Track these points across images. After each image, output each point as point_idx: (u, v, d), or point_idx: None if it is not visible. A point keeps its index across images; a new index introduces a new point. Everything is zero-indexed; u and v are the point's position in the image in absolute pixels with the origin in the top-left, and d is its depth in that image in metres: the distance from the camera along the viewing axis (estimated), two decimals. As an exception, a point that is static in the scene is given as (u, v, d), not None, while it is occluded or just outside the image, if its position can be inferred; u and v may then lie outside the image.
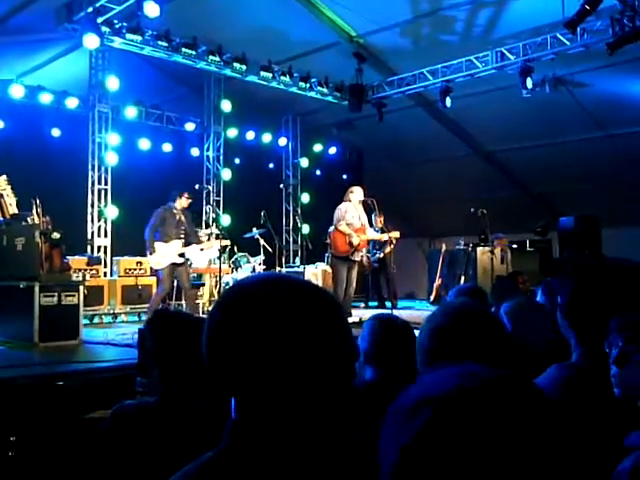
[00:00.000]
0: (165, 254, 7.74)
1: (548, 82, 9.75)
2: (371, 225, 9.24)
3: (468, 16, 9.28)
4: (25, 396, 4.70)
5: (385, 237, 9.04)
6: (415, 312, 9.80)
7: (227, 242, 8.77)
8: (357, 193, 8.53)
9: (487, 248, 9.98)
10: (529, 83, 9.14)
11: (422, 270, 12.22)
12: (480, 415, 0.65)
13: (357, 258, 8.48)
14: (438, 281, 11.23)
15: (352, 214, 8.36)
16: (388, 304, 10.06)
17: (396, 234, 9.15)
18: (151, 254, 7.76)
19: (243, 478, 0.90)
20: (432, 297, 11.31)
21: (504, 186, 12.76)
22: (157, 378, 2.40)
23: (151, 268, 8.55)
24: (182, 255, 7.89)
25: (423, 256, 11.99)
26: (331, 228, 8.45)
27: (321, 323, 0.93)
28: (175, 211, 7.90)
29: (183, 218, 7.96)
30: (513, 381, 0.71)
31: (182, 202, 7.93)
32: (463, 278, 10.36)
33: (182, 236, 7.90)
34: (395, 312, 8.72)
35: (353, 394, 0.97)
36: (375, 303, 11.44)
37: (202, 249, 8.47)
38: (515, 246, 11.13)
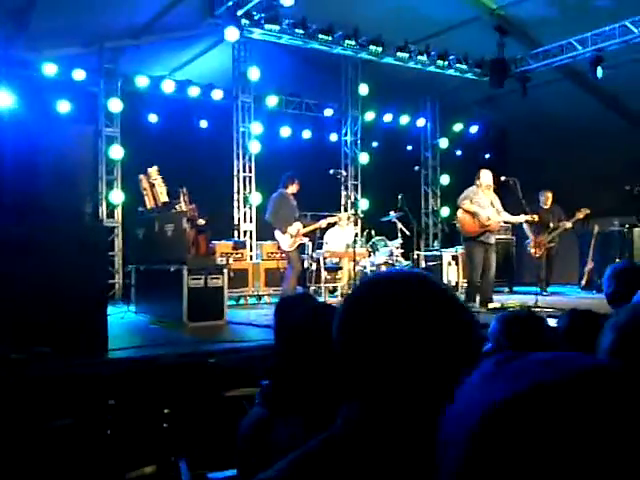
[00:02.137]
0: (293, 235, 8.06)
1: None
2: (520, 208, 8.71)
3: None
4: (176, 372, 5.02)
5: (521, 219, 8.46)
6: (563, 298, 9.29)
7: (334, 219, 8.94)
8: (484, 177, 8.10)
9: (645, 229, 9.19)
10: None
11: (573, 253, 11.48)
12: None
13: (491, 241, 8.07)
14: (590, 265, 10.53)
15: (479, 197, 7.99)
16: (536, 289, 9.52)
17: (533, 218, 8.43)
18: (284, 233, 8.07)
19: (360, 463, 0.93)
20: (583, 282, 10.63)
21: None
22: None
23: (280, 249, 8.82)
24: (304, 236, 8.29)
25: (574, 238, 11.26)
26: (459, 211, 8.13)
27: (442, 322, 0.96)
28: (287, 196, 8.18)
29: (294, 203, 8.22)
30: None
31: (293, 188, 8.18)
32: (618, 262, 9.61)
33: (297, 219, 8.22)
34: (542, 298, 8.32)
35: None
36: (521, 288, 10.96)
37: (316, 229, 8.69)
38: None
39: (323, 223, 8.66)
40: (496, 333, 2.49)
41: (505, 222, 9.13)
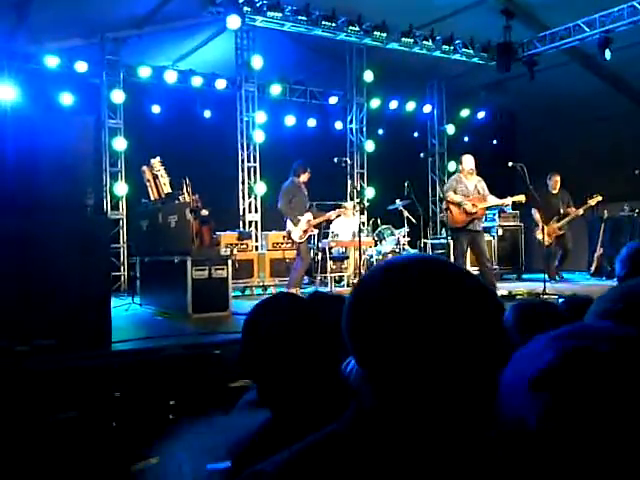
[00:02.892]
0: (303, 227, 7.95)
1: None
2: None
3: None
4: (181, 363, 5.00)
5: (508, 201, 8.36)
6: (573, 285, 9.20)
7: (344, 211, 8.88)
8: (465, 162, 8.04)
9: (656, 213, 9.06)
10: None
11: (582, 239, 11.37)
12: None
13: (478, 227, 7.99)
14: (599, 251, 10.40)
15: (464, 185, 7.94)
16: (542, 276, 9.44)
17: (520, 198, 8.30)
18: (296, 225, 7.94)
19: (364, 460, 0.88)
20: (593, 268, 10.51)
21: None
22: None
23: (290, 239, 8.76)
24: (315, 227, 8.16)
25: (583, 223, 11.15)
26: (445, 203, 8.09)
27: (465, 311, 0.88)
28: (300, 185, 8.04)
29: (305, 192, 8.11)
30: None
31: (304, 177, 8.05)
32: (633, 243, 9.48)
33: (308, 209, 8.08)
34: (550, 285, 8.24)
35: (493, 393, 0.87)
36: (530, 275, 10.86)
37: (326, 220, 8.67)
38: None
39: (333, 215, 8.56)
40: (510, 322, 2.41)
41: (509, 206, 9.01)
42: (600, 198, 9.51)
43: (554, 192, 9.80)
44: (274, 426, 1.46)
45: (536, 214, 9.55)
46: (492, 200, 8.14)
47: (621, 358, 0.58)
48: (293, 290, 7.79)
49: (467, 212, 7.80)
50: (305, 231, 7.97)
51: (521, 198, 8.22)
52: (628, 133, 11.20)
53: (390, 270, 0.94)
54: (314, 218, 8.16)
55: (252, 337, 1.63)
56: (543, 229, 9.29)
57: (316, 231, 8.47)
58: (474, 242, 7.86)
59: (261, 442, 1.43)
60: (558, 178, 9.83)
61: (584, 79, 11.12)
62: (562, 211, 9.67)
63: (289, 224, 8.03)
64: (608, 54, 9.32)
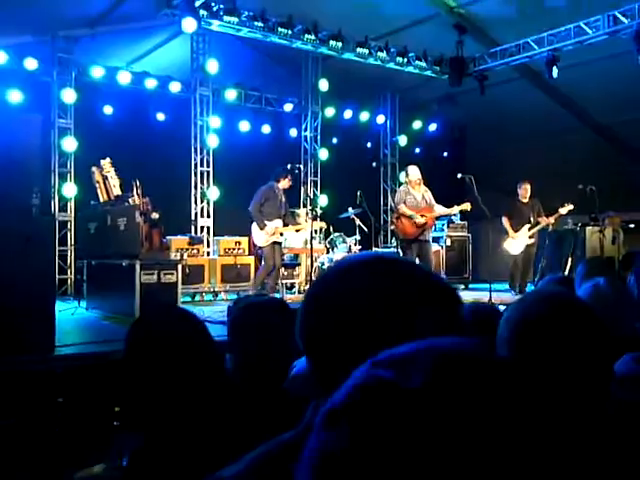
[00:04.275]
0: (270, 232, 7.90)
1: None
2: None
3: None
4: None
5: (455, 210, 8.56)
6: (516, 297, 9.41)
7: (322, 224, 8.81)
8: (412, 173, 8.24)
9: (597, 228, 9.35)
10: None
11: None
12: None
13: (427, 237, 8.19)
14: (543, 262, 10.68)
15: (412, 195, 8.12)
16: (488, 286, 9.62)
17: (466, 206, 8.42)
18: (262, 229, 7.88)
19: None
20: (537, 279, 10.78)
21: (617, 161, 11.91)
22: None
23: (254, 245, 8.71)
24: (281, 234, 8.08)
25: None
26: (394, 215, 8.26)
27: (416, 304, 0.86)
28: (277, 191, 8.01)
29: (283, 198, 8.07)
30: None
31: (285, 183, 8.03)
32: (570, 259, 9.78)
33: (282, 216, 8.03)
34: (495, 295, 8.43)
35: None
36: (476, 285, 11.07)
37: (298, 230, 8.60)
38: (632, 226, 10.36)
39: (307, 227, 8.57)
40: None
41: (457, 216, 9.12)
42: (571, 207, 9.33)
43: (524, 201, 9.56)
44: (146, 444, 1.49)
45: (506, 223, 9.44)
46: (439, 210, 8.33)
47: (427, 398, 0.48)
48: (254, 290, 7.87)
49: (417, 225, 7.96)
50: (268, 238, 7.92)
51: (467, 207, 8.42)
52: (573, 149, 11.58)
53: (341, 272, 0.92)
54: (285, 226, 8.13)
55: (131, 354, 1.67)
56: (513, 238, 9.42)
57: (283, 238, 8.39)
58: (422, 252, 8.03)
59: (136, 458, 1.47)
60: (528, 186, 9.56)
61: (532, 95, 11.46)
62: (532, 220, 9.51)
63: (254, 227, 7.98)
64: (555, 72, 9.63)
